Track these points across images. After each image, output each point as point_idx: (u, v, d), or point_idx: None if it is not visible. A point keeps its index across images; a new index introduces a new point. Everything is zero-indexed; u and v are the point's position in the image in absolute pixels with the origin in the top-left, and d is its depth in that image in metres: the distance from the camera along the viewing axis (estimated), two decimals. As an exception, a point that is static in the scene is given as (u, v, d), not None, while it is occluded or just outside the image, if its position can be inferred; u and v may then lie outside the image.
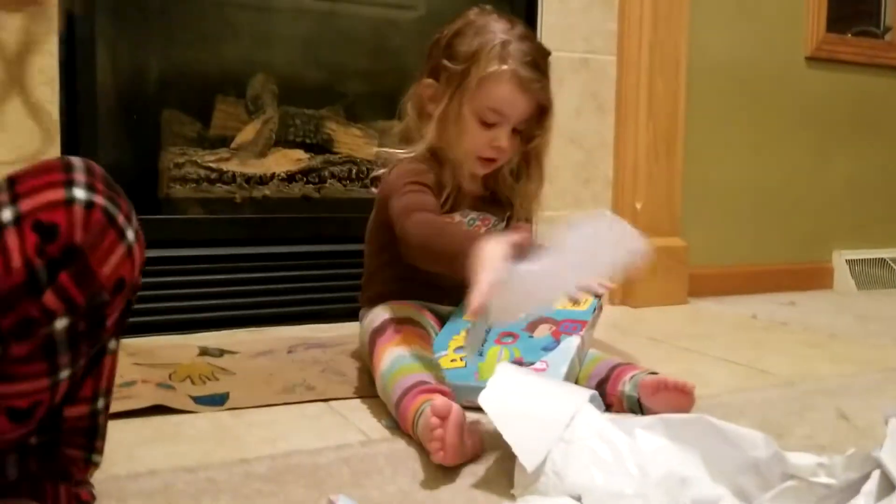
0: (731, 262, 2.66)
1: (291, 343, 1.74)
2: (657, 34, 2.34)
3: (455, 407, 1.07)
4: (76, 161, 0.73)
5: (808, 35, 2.72)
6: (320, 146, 2.15)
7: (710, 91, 2.54)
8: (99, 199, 0.71)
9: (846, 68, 2.81)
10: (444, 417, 1.05)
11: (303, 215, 2.06)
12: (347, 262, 1.92)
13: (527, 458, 0.95)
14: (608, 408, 1.33)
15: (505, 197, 1.58)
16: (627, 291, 2.37)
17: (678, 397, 1.27)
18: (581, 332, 1.42)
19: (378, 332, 1.38)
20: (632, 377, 1.33)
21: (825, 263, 2.87)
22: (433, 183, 1.45)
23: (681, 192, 2.45)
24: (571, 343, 1.39)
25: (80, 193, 0.70)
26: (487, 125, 1.45)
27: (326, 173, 2.11)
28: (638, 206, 2.38)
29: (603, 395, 1.33)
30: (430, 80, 1.49)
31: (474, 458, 1.10)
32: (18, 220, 0.68)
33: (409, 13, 2.29)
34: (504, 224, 1.58)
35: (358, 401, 1.37)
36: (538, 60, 1.47)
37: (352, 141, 2.18)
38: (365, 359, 1.46)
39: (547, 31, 2.23)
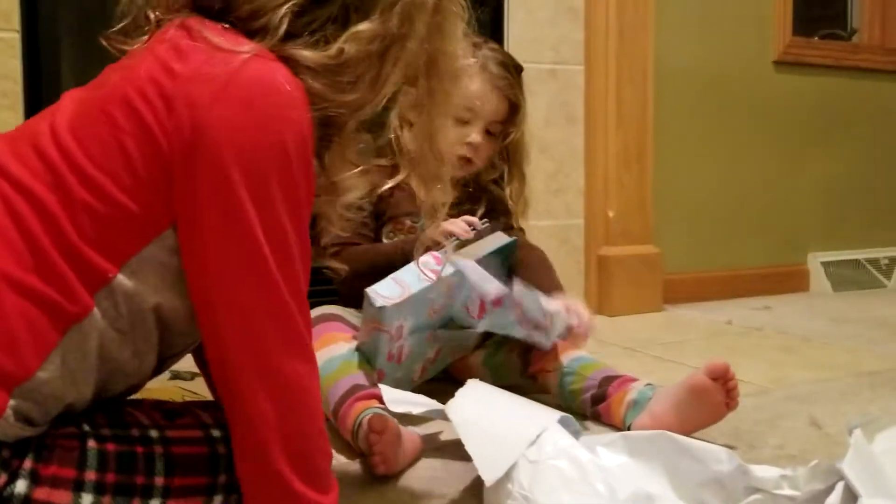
0: (705, 268, 2.66)
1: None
2: (623, 43, 2.35)
3: (390, 420, 1.11)
4: None
5: (774, 39, 2.73)
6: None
7: (678, 98, 2.55)
8: None
9: (814, 71, 2.82)
10: (380, 432, 1.08)
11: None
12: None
13: (486, 471, 0.95)
14: (600, 416, 1.33)
15: (488, 201, 1.59)
16: (603, 300, 2.37)
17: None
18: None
19: None
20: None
21: (800, 266, 2.89)
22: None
23: (652, 199, 2.46)
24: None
25: None
26: (459, 123, 1.49)
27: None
28: (610, 214, 2.38)
29: (604, 397, 1.32)
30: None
31: (415, 458, 1.16)
32: None
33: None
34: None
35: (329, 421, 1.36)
36: (508, 64, 1.54)
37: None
38: None
39: (514, 43, 2.23)
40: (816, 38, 2.93)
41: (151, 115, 0.72)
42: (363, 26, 0.79)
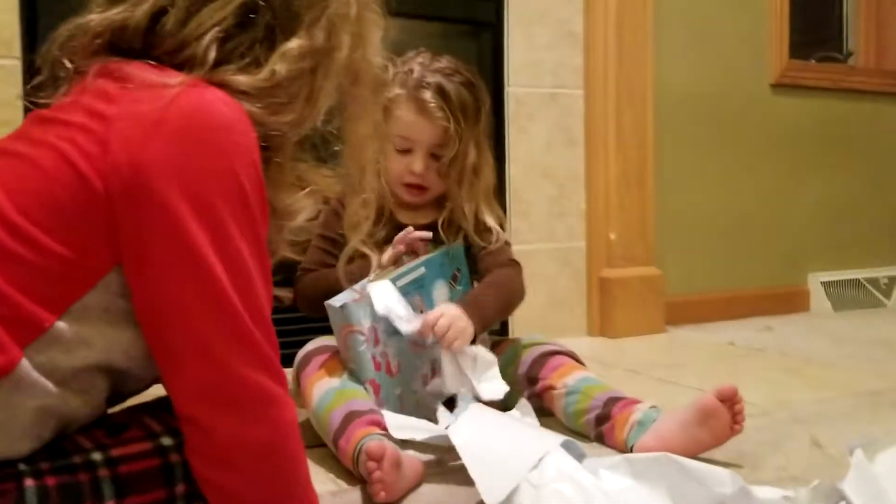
0: (707, 289, 2.67)
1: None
2: (622, 67, 2.37)
3: (388, 445, 1.10)
4: None
5: (772, 62, 2.75)
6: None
7: (678, 121, 2.57)
8: None
9: (811, 93, 2.84)
10: (378, 459, 1.08)
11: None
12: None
13: (489, 495, 0.95)
14: (603, 437, 1.32)
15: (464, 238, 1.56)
16: (605, 322, 2.37)
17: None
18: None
19: (301, 366, 1.39)
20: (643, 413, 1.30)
21: (801, 286, 2.89)
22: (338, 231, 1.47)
23: (654, 221, 2.46)
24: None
25: None
26: (402, 152, 1.48)
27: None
28: (612, 236, 2.39)
29: (608, 417, 1.32)
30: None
31: (416, 483, 1.15)
32: None
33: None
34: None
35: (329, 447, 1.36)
36: (444, 87, 1.45)
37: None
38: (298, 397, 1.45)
39: (514, 68, 2.25)
40: (813, 61, 2.95)
41: (85, 162, 0.71)
42: (291, 44, 0.79)
